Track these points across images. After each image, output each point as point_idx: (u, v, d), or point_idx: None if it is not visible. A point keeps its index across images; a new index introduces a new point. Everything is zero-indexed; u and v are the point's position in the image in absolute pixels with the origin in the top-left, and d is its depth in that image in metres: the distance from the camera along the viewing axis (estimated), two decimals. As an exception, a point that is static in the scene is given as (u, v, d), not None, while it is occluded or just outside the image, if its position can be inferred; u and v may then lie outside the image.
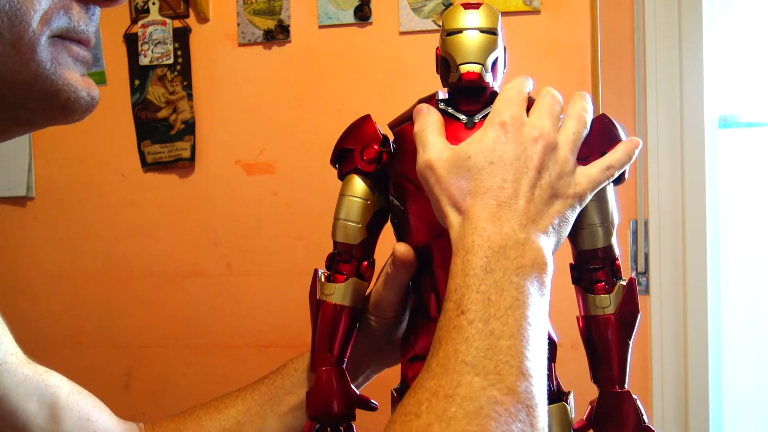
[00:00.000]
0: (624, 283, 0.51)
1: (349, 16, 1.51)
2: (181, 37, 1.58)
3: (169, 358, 1.62)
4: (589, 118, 0.51)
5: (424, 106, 0.51)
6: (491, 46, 0.51)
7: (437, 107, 0.53)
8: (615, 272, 0.52)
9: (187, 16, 1.59)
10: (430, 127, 0.50)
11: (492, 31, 0.51)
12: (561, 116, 0.50)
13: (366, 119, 0.57)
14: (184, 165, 1.60)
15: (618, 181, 0.52)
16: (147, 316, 1.62)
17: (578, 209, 0.48)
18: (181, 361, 1.61)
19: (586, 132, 0.50)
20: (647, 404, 1.43)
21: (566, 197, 0.47)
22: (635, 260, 1.45)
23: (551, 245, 0.46)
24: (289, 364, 0.62)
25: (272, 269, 1.57)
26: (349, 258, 0.55)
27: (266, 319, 1.57)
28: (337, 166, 0.58)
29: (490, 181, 0.46)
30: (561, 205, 0.47)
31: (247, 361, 1.59)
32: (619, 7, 1.44)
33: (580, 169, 0.49)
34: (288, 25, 1.54)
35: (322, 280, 0.55)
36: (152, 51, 1.58)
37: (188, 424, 0.62)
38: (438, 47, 0.53)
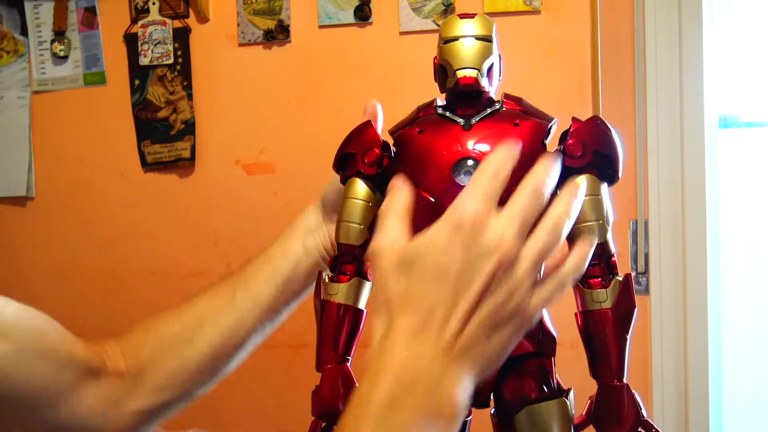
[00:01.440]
0: (620, 278, 0.52)
1: (349, 16, 1.51)
2: (181, 37, 1.58)
3: (169, 358, 1.62)
4: (570, 223, 0.44)
5: (399, 181, 0.48)
6: (486, 53, 0.53)
7: (435, 113, 0.55)
8: (611, 268, 0.53)
9: (187, 16, 1.59)
10: (394, 209, 0.45)
11: (487, 38, 0.54)
12: (549, 192, 0.44)
13: (366, 125, 0.59)
14: (184, 165, 1.60)
15: (611, 181, 0.54)
16: (147, 316, 1.62)
17: (523, 333, 0.43)
18: (181, 361, 1.61)
19: (557, 246, 0.43)
20: (647, 403, 1.42)
21: (510, 324, 0.41)
22: (635, 260, 1.45)
23: (471, 383, 0.41)
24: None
25: (272, 269, 1.57)
26: (352, 259, 0.57)
27: (266, 319, 1.57)
28: (339, 171, 0.59)
29: (425, 299, 0.40)
30: (501, 335, 0.41)
31: (247, 361, 1.59)
32: (619, 6, 1.43)
33: (537, 291, 0.42)
34: (288, 25, 1.54)
35: (326, 280, 0.57)
36: (152, 51, 1.58)
37: (166, 318, 0.67)
38: (435, 56, 0.56)
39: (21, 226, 1.68)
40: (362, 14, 1.51)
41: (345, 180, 0.58)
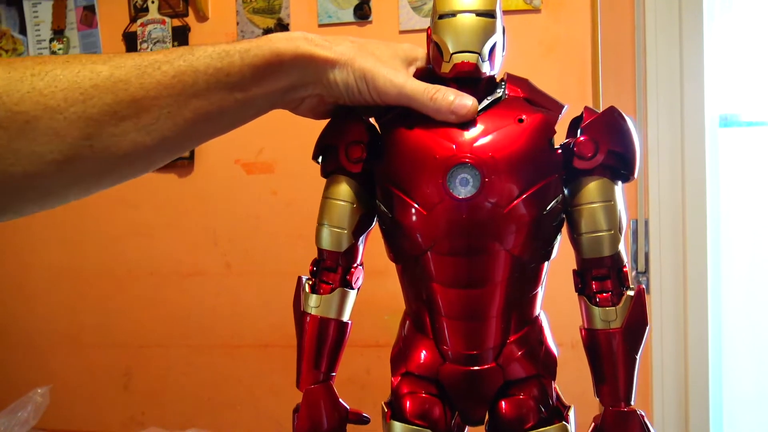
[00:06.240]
0: (632, 293, 0.47)
1: (348, 15, 1.51)
2: (181, 35, 1.58)
3: (169, 357, 1.61)
4: None
5: None
6: (488, 32, 0.45)
7: None
8: (622, 281, 0.48)
9: (186, 15, 1.58)
10: None
11: (490, 14, 0.45)
12: None
13: (351, 111, 0.50)
14: (183, 164, 1.59)
15: (626, 179, 0.48)
16: (146, 315, 1.62)
17: None
18: (180, 360, 1.61)
19: None
20: (647, 405, 1.42)
21: None
22: (635, 260, 1.44)
23: None
24: None
25: (272, 269, 1.57)
26: (335, 266, 0.51)
27: (266, 318, 1.57)
28: (319, 161, 0.52)
29: None
30: None
31: (247, 361, 1.58)
32: (619, 5, 1.43)
33: None
34: (287, 24, 1.54)
35: (307, 290, 0.52)
36: (151, 49, 1.58)
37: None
38: (429, 27, 0.48)
39: (21, 226, 1.68)
40: (362, 13, 1.50)
41: (327, 174, 0.51)
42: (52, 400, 1.46)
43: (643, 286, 0.49)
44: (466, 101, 0.46)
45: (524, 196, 0.45)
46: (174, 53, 0.45)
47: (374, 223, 0.53)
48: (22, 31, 1.65)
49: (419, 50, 0.52)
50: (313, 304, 0.51)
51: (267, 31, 1.54)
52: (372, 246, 0.55)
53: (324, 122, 0.54)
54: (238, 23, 1.55)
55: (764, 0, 1.46)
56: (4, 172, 0.40)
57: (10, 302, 1.68)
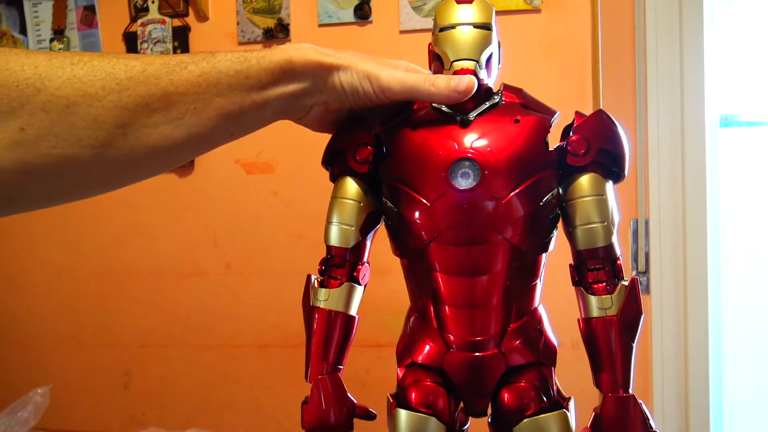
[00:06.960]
0: (626, 283, 0.50)
1: (349, 15, 1.51)
2: (181, 35, 1.58)
3: (169, 357, 1.62)
4: None
5: None
6: (485, 42, 0.50)
7: (431, 106, 0.52)
8: (616, 272, 0.50)
9: (187, 15, 1.59)
10: None
11: (486, 26, 0.50)
12: None
13: (358, 118, 0.55)
14: (183, 164, 1.59)
15: (617, 178, 0.51)
16: (146, 315, 1.62)
17: None
18: (180, 360, 1.61)
19: None
20: (647, 404, 1.42)
21: None
22: (636, 260, 1.44)
23: None
24: None
25: (272, 268, 1.57)
26: (342, 262, 0.54)
27: (265, 318, 1.57)
28: (329, 167, 0.56)
29: None
30: None
31: (247, 361, 1.58)
32: (619, 5, 1.43)
33: None
34: (288, 24, 1.54)
35: (316, 285, 0.54)
36: (152, 50, 1.58)
37: None
38: (431, 43, 0.53)
39: (21, 225, 1.68)
40: (362, 13, 1.50)
41: (335, 178, 0.55)
42: (52, 400, 1.46)
43: (637, 278, 0.51)
44: (465, 78, 0.50)
45: (520, 188, 0.49)
46: (198, 56, 0.49)
47: (380, 224, 0.55)
48: (23, 31, 1.65)
49: (417, 67, 0.57)
50: (322, 297, 0.53)
51: (267, 31, 1.54)
52: (374, 246, 0.56)
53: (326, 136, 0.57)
54: (238, 23, 1.55)
55: (764, 0, 1.46)
56: (46, 154, 0.43)
57: (10, 302, 1.69)
